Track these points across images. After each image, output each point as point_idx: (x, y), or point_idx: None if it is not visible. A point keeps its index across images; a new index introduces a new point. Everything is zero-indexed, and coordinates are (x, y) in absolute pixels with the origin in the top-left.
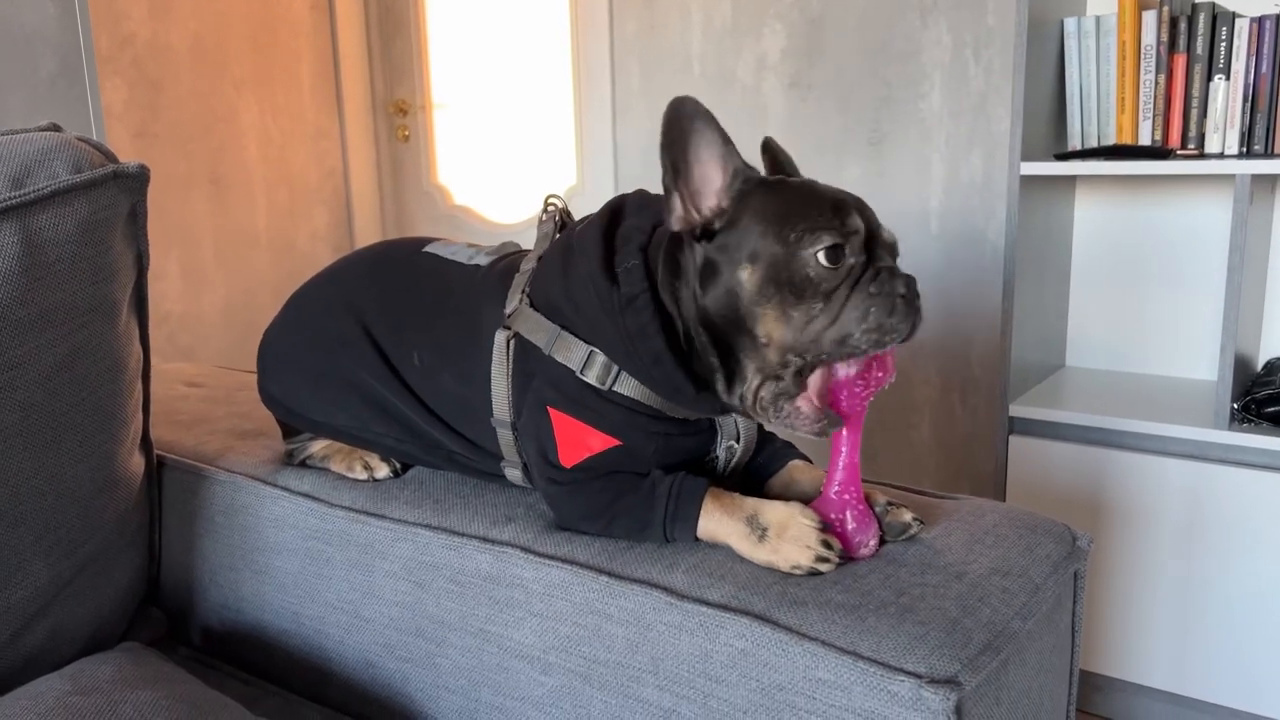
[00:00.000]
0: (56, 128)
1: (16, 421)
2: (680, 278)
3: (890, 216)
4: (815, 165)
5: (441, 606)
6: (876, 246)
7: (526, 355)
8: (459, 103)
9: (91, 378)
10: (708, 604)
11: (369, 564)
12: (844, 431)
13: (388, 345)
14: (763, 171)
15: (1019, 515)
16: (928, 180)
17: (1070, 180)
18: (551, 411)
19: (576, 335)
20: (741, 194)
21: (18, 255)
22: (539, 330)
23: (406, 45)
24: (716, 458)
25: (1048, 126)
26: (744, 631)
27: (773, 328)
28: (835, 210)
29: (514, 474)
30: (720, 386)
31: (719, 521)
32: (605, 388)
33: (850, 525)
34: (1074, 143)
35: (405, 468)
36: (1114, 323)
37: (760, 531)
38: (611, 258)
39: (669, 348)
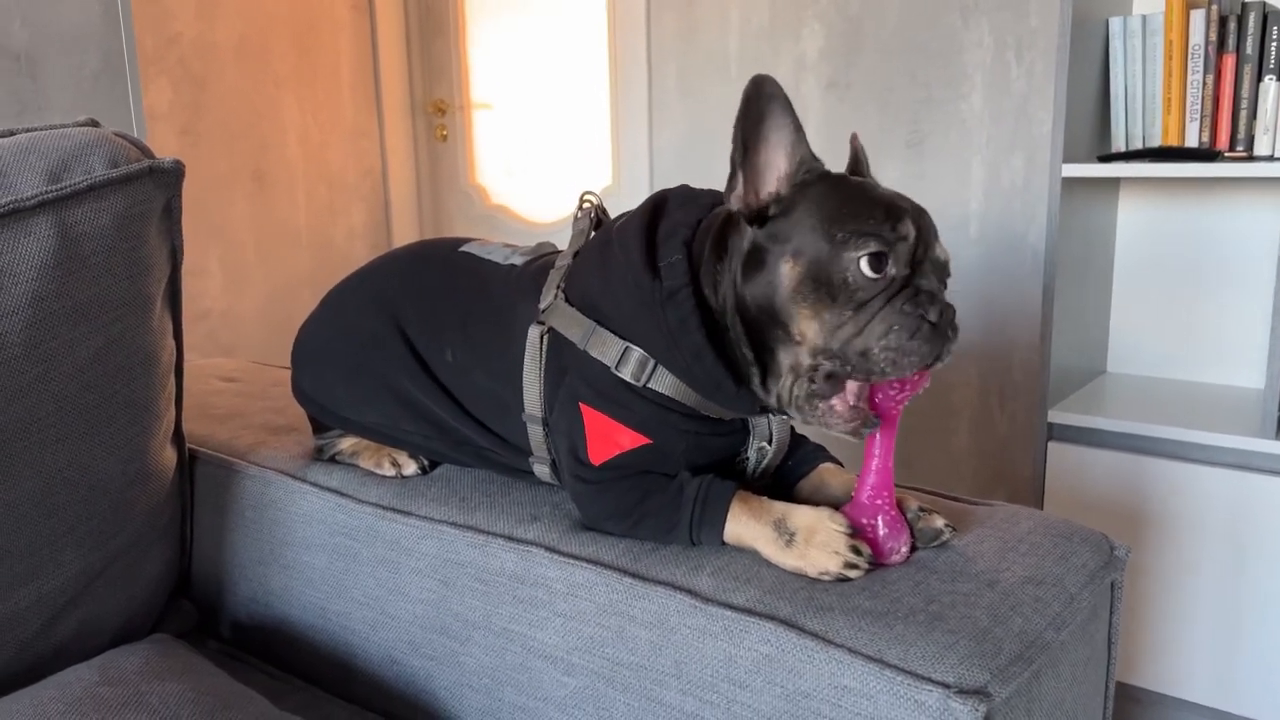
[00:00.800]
0: (95, 123)
1: (51, 413)
2: (724, 261)
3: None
4: None
5: (466, 605)
6: (925, 263)
7: (561, 350)
8: (497, 103)
9: (125, 371)
10: (733, 608)
11: (396, 561)
12: (877, 434)
13: (421, 343)
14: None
15: (1054, 523)
16: (968, 183)
17: (1114, 183)
18: (583, 408)
19: (612, 331)
20: (802, 184)
21: (54, 249)
22: (574, 325)
23: (446, 45)
24: (747, 459)
25: (1091, 128)
26: (769, 637)
27: (805, 326)
28: (888, 216)
29: (542, 470)
30: (755, 382)
31: (746, 525)
32: (640, 384)
33: (882, 531)
34: (1118, 145)
35: (433, 465)
36: (1157, 328)
37: (788, 536)
38: (654, 252)
39: (710, 343)
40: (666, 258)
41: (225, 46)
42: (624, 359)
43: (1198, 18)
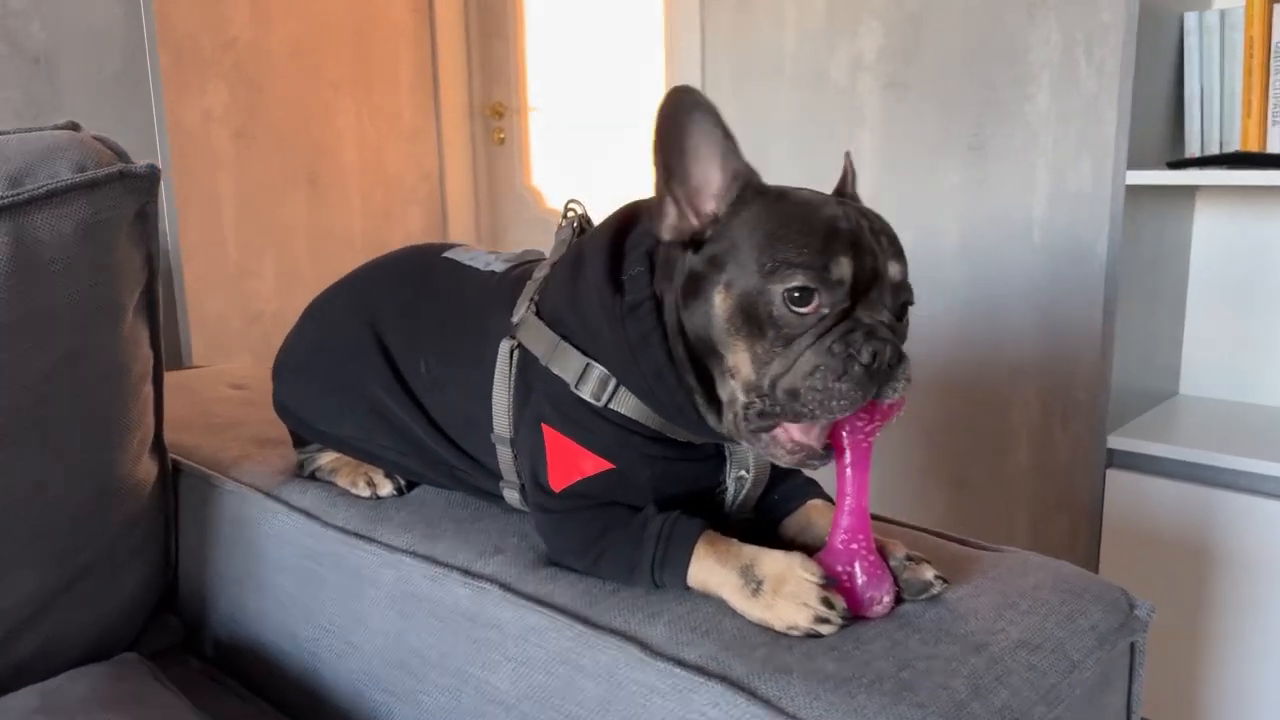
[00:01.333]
0: (75, 126)
1: (0, 427)
2: (669, 286)
3: (990, 226)
4: (911, 171)
5: (423, 641)
6: (873, 291)
7: (528, 367)
8: (553, 105)
9: (90, 382)
10: (683, 664)
11: (359, 590)
12: (848, 472)
13: (398, 353)
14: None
15: (1068, 575)
16: (1032, 188)
17: (1189, 191)
18: (545, 429)
19: (576, 347)
20: (738, 202)
21: (8, 256)
22: (540, 340)
23: (504, 48)
24: (726, 489)
25: (1162, 132)
26: (718, 699)
27: (738, 360)
28: (823, 245)
29: (512, 496)
30: (704, 410)
31: (711, 570)
32: (600, 404)
33: (859, 579)
34: (1192, 150)
35: (411, 485)
36: (1235, 348)
37: (755, 584)
38: (619, 263)
39: (672, 363)
40: (630, 270)
41: (281, 50)
42: (584, 377)
43: None
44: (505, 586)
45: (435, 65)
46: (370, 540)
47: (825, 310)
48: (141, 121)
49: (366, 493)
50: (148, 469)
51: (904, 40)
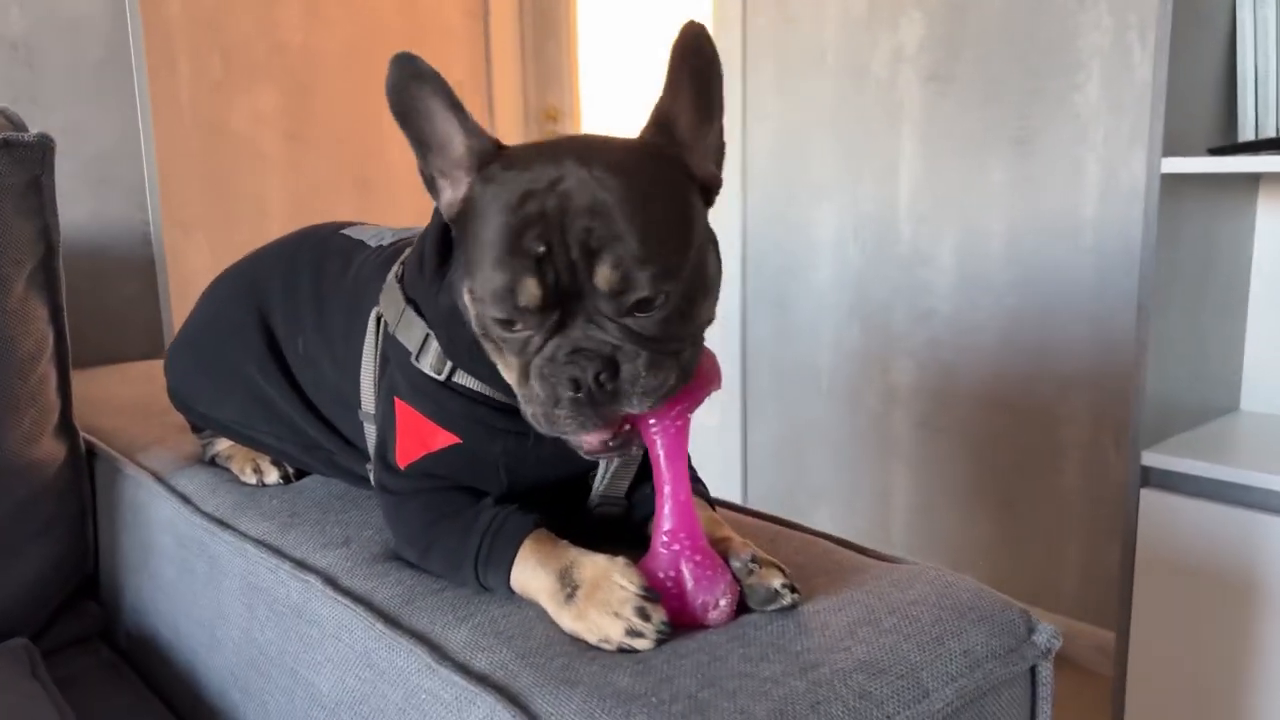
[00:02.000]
0: None
1: None
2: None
3: (1037, 226)
4: (954, 167)
5: (265, 637)
6: (585, 302)
7: (387, 336)
8: (602, 106)
9: None
10: (468, 673)
11: (218, 580)
12: (662, 463)
13: (281, 332)
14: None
15: (957, 592)
16: (1081, 185)
17: (1250, 184)
18: (397, 402)
19: (421, 314)
20: (474, 185)
21: None
22: (392, 304)
23: (558, 50)
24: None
25: (1212, 117)
26: (489, 714)
27: (496, 362)
28: (509, 262)
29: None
30: None
31: (532, 572)
32: (442, 378)
33: (688, 583)
34: (1246, 136)
35: (301, 475)
36: None
37: (570, 590)
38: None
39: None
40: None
41: (333, 53)
42: (424, 348)
43: None
44: (330, 581)
45: (489, 69)
46: (227, 527)
47: (530, 332)
48: (127, 110)
49: (253, 480)
50: (50, 451)
51: (947, 30)
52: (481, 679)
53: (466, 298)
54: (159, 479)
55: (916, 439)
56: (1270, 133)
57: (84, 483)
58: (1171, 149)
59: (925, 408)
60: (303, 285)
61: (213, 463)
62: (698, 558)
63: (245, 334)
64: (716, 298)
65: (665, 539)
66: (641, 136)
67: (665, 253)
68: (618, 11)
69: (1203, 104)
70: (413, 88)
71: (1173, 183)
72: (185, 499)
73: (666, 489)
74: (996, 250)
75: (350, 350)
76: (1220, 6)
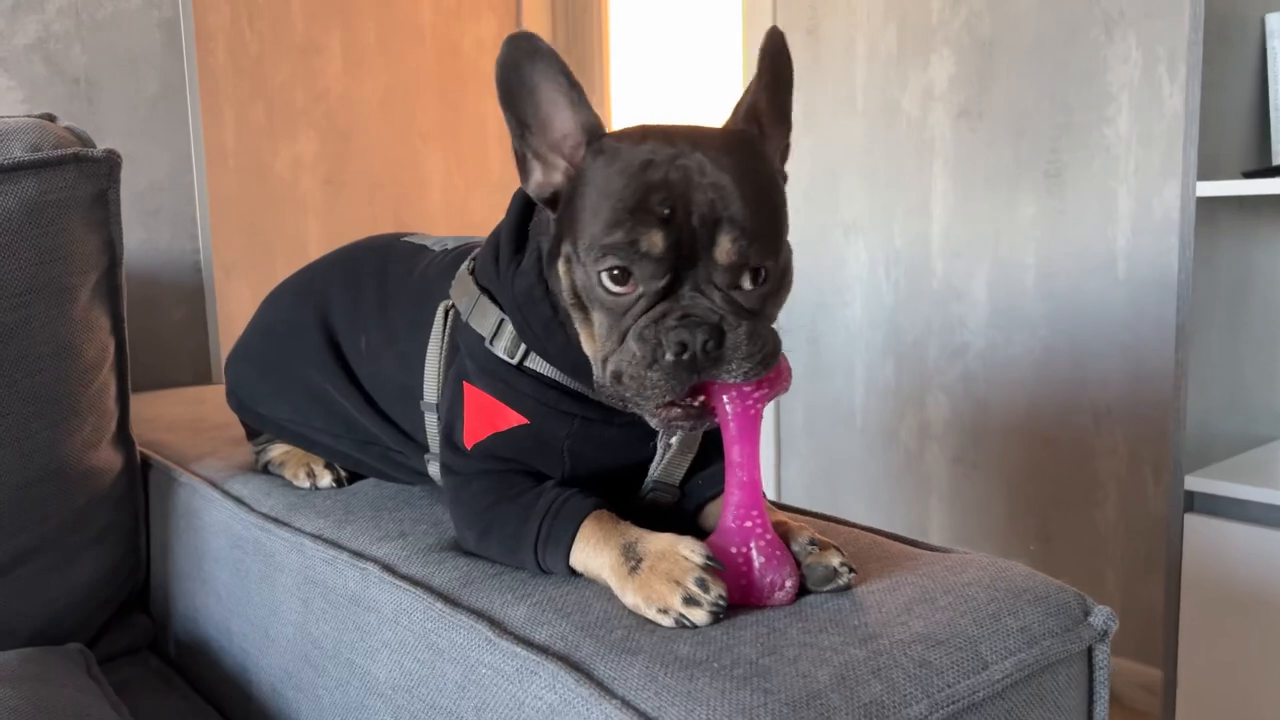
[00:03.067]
0: (51, 118)
1: None
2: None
3: (1069, 258)
4: (986, 201)
5: (320, 630)
6: (698, 268)
7: (456, 324)
8: None
9: (28, 361)
10: (528, 644)
11: (273, 577)
12: (736, 444)
13: (342, 333)
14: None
15: (1011, 575)
16: (1114, 217)
17: None
18: (466, 386)
19: (496, 301)
20: (586, 157)
21: None
22: (464, 294)
23: (592, 100)
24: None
25: (1245, 142)
26: (553, 682)
27: (583, 334)
28: (632, 218)
29: (435, 471)
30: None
31: (595, 550)
32: (514, 361)
33: (757, 562)
34: (1279, 160)
35: (354, 479)
36: None
37: (634, 562)
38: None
39: (558, 319)
40: (535, 226)
41: (371, 100)
42: (499, 333)
43: None
44: (388, 568)
45: None
46: (283, 525)
47: (642, 289)
48: (180, 144)
49: (306, 484)
50: (107, 459)
51: (977, 66)
52: (542, 650)
53: (561, 267)
54: (214, 485)
55: (952, 475)
56: None
57: (139, 492)
58: (1205, 174)
59: (960, 443)
60: (366, 287)
61: (265, 470)
62: (768, 536)
63: (305, 335)
64: (789, 295)
65: (736, 514)
66: (737, 125)
67: (773, 230)
68: (652, 61)
69: (1235, 130)
70: (526, 64)
71: (1208, 207)
72: (240, 501)
73: (738, 468)
74: (1029, 284)
75: (415, 344)
76: (1251, 35)
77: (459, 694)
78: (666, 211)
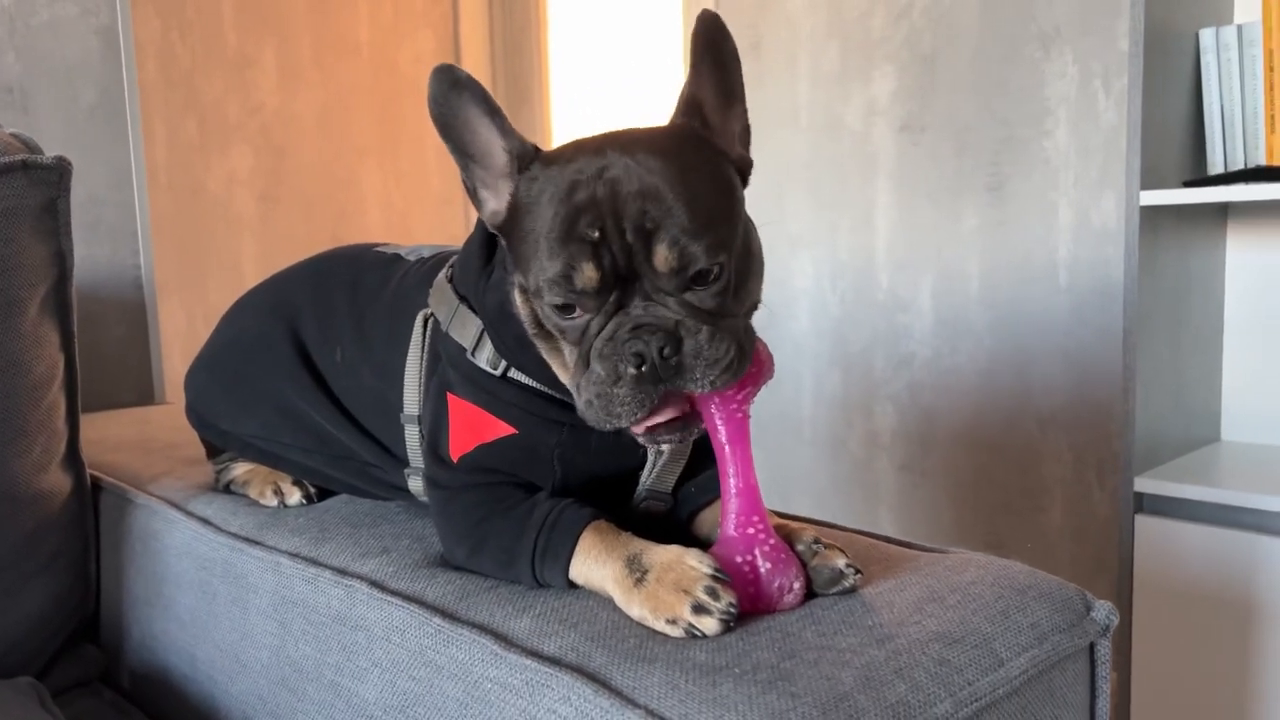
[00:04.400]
0: None
1: None
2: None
3: (1011, 269)
4: (929, 214)
5: (300, 651)
6: (643, 280)
7: (436, 334)
8: None
9: None
10: (539, 657)
11: (245, 600)
12: (726, 449)
13: (313, 343)
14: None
15: (1013, 574)
16: (1054, 227)
17: (1217, 216)
18: (450, 397)
19: (474, 311)
20: (518, 185)
21: None
22: (443, 302)
23: (531, 114)
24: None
25: (1182, 154)
26: (568, 694)
27: (552, 362)
28: (564, 249)
29: (416, 485)
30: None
31: (596, 562)
32: (497, 373)
33: (763, 567)
34: (1215, 169)
35: (324, 496)
36: (1278, 388)
37: (640, 574)
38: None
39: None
40: (504, 248)
41: (307, 116)
42: (480, 344)
43: None
44: (375, 584)
45: None
46: (256, 544)
47: (588, 316)
48: (119, 156)
49: (274, 502)
50: (56, 481)
51: (918, 82)
52: (554, 661)
53: (518, 297)
54: (175, 506)
55: (900, 483)
56: (1238, 165)
57: (89, 516)
58: (1146, 184)
59: (908, 452)
60: (339, 298)
61: (227, 490)
62: (772, 541)
63: (273, 348)
64: (762, 276)
65: (738, 523)
66: (673, 121)
67: (716, 225)
68: (592, 73)
69: (1172, 141)
70: (452, 97)
71: (1150, 215)
72: (206, 521)
73: (732, 475)
74: (973, 294)
75: (393, 355)
76: (1185, 49)
77: (461, 711)
78: (596, 234)
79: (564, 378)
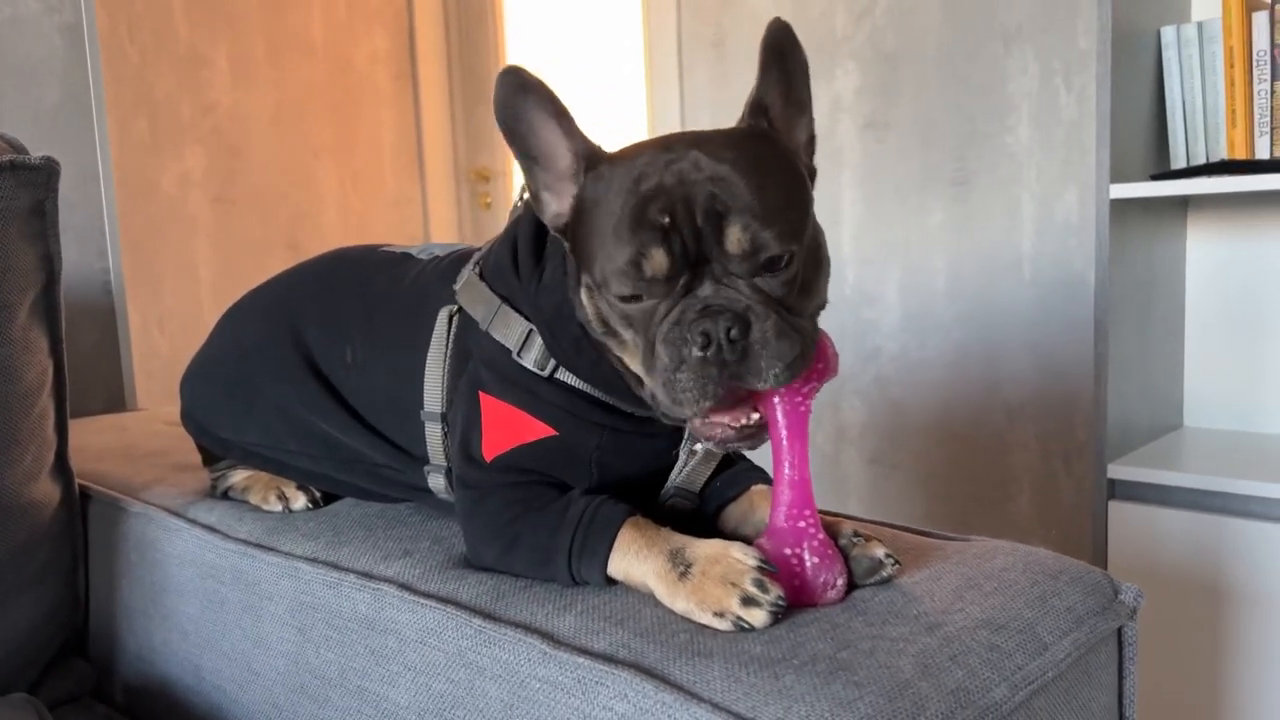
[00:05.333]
0: None
1: None
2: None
3: (978, 263)
4: (895, 209)
5: (322, 658)
6: (713, 264)
7: (466, 332)
8: None
9: None
10: (589, 654)
11: (258, 606)
12: (784, 441)
13: (320, 347)
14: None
15: (1041, 559)
16: (1018, 221)
17: (1179, 209)
18: (483, 397)
19: (520, 311)
20: (584, 185)
21: None
22: (480, 301)
23: (488, 112)
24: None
25: (1146, 148)
26: (625, 690)
27: (620, 354)
28: (634, 237)
29: (437, 483)
30: (633, 382)
31: (638, 557)
32: (545, 374)
33: (810, 561)
34: (1178, 164)
35: (329, 500)
36: (1236, 375)
37: (684, 567)
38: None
39: (588, 336)
40: (551, 241)
41: (261, 115)
42: (527, 344)
43: (1260, 20)
44: (404, 587)
45: (419, 131)
46: (269, 550)
47: (653, 303)
48: (85, 156)
49: (278, 507)
50: (46, 491)
51: (882, 79)
52: (606, 658)
53: (583, 295)
54: (174, 513)
55: (870, 477)
56: (1200, 159)
57: (78, 526)
58: (1114, 177)
59: (877, 445)
60: (347, 298)
61: (225, 497)
62: (820, 536)
63: (277, 351)
64: (829, 279)
65: (789, 514)
66: (741, 122)
67: (787, 213)
68: (547, 73)
69: (1137, 135)
70: (518, 100)
71: (1119, 208)
72: (210, 528)
73: (788, 466)
74: (940, 287)
75: (411, 352)
76: (1147, 45)
77: (505, 713)
78: (666, 220)
79: (641, 375)
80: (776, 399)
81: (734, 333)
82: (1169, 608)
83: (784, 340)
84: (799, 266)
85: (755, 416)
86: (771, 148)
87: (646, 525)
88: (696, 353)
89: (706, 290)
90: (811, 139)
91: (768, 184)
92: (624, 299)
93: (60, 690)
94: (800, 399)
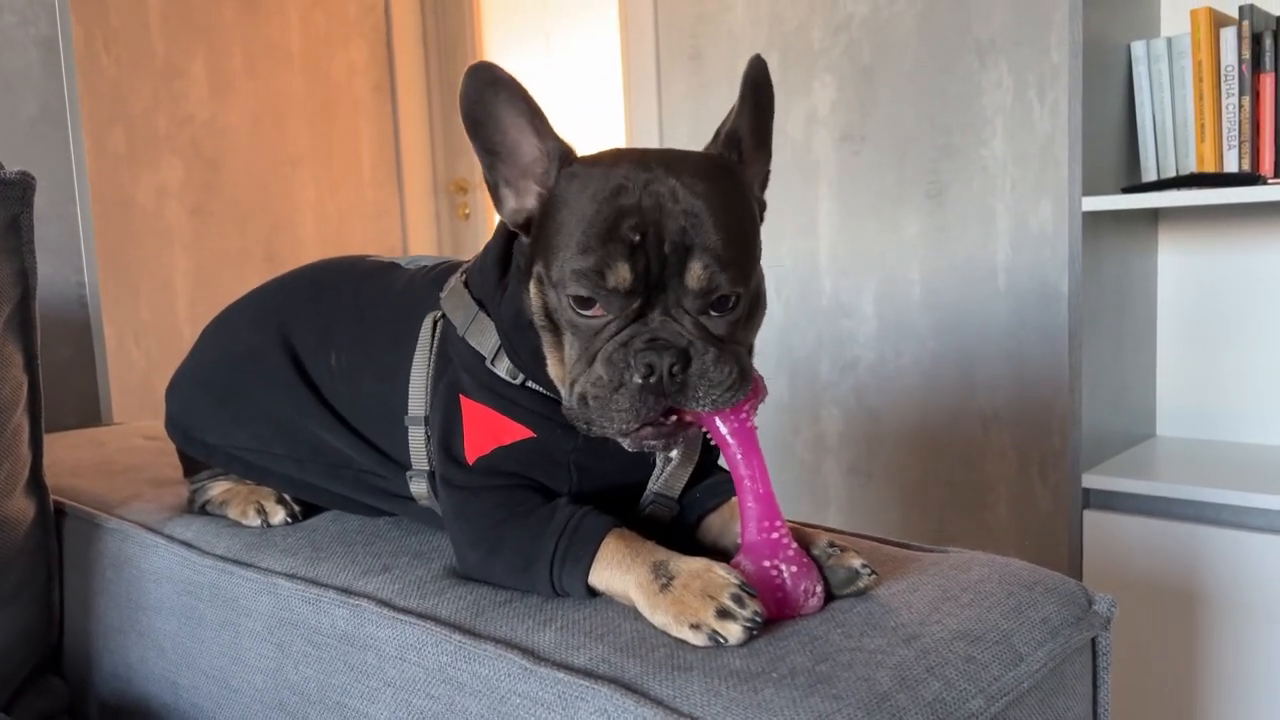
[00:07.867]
0: None
1: None
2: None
3: (954, 274)
4: (871, 221)
5: (301, 674)
6: (669, 293)
7: (448, 337)
8: None
9: None
10: (569, 669)
11: (235, 623)
12: (739, 458)
13: (307, 351)
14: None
15: (1016, 570)
16: (993, 233)
17: (1150, 221)
18: (463, 400)
19: (494, 320)
20: (557, 182)
21: None
22: (460, 307)
23: None
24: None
25: (1117, 162)
26: (605, 705)
27: (551, 356)
28: (602, 246)
29: (419, 489)
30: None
31: (620, 568)
32: (517, 383)
33: (788, 572)
34: (1149, 177)
35: (308, 512)
36: (1207, 385)
37: (666, 579)
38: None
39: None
40: (517, 252)
41: (239, 127)
42: (500, 354)
43: (1228, 36)
44: (384, 603)
45: (398, 142)
46: (248, 565)
47: (610, 315)
48: (60, 170)
49: (256, 522)
50: (20, 508)
51: (857, 92)
52: (587, 673)
53: (532, 285)
54: (151, 529)
55: (848, 485)
56: (1170, 172)
57: (53, 543)
58: (1087, 190)
59: (855, 454)
60: (335, 303)
61: (203, 511)
62: (793, 546)
63: (266, 356)
64: (761, 322)
65: (761, 528)
66: (713, 149)
67: (743, 257)
68: (528, 82)
69: (1109, 149)
70: (488, 95)
71: (1091, 221)
72: (187, 544)
73: (748, 484)
74: (916, 298)
75: (398, 358)
76: (1118, 60)
77: None
78: (637, 238)
79: (554, 371)
80: (720, 421)
81: (676, 369)
82: (1143, 615)
83: (720, 369)
84: (743, 308)
85: (673, 419)
86: (737, 187)
87: (631, 537)
88: (638, 379)
89: (655, 320)
90: (766, 176)
91: (732, 227)
92: (578, 300)
93: (35, 709)
94: (744, 416)
